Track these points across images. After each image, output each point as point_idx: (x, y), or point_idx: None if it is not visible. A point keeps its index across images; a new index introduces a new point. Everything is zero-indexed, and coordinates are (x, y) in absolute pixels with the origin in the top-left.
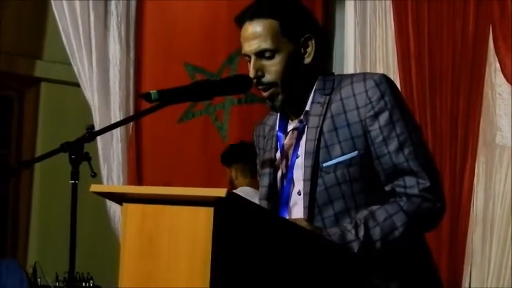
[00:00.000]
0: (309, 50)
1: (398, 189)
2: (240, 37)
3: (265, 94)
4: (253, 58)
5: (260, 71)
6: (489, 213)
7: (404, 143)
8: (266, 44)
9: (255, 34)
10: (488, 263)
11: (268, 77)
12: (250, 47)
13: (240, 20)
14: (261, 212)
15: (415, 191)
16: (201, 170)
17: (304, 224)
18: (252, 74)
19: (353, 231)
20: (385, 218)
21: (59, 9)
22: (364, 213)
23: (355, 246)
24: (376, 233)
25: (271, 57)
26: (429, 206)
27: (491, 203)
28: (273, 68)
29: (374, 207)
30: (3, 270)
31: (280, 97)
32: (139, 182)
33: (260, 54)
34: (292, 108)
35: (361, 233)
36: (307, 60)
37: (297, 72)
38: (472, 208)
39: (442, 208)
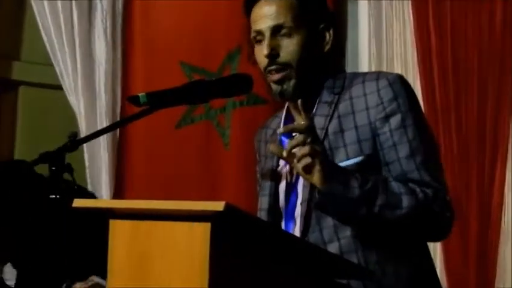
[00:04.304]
0: (327, 39)
1: (411, 185)
2: (252, 16)
3: (275, 77)
4: (267, 35)
5: (275, 50)
6: None
7: (416, 150)
8: (285, 19)
9: (272, 11)
10: None
11: (283, 56)
12: (265, 23)
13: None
14: (264, 226)
15: (430, 192)
16: (202, 182)
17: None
18: (265, 51)
19: (360, 180)
20: (396, 193)
21: (38, 4)
22: (378, 176)
23: (355, 193)
24: (380, 198)
25: (288, 36)
26: (439, 210)
27: None
28: (289, 47)
29: (391, 178)
30: None
31: (292, 82)
32: (131, 195)
33: (276, 29)
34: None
35: (367, 187)
36: (326, 48)
37: (313, 59)
38: (503, 219)
39: (451, 219)
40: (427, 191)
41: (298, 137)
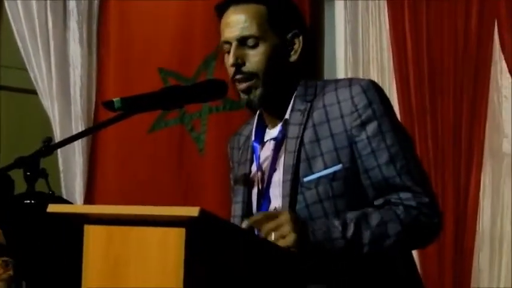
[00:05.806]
0: (295, 47)
1: (393, 200)
2: (221, 25)
3: (241, 86)
4: (234, 45)
5: (240, 59)
6: (497, 230)
7: (395, 155)
8: (251, 30)
9: (239, 20)
10: (497, 285)
11: (249, 66)
12: (232, 32)
13: (223, 6)
14: (238, 232)
15: (413, 203)
16: (176, 187)
17: (287, 216)
18: (231, 60)
19: (340, 228)
20: (379, 223)
21: (12, 8)
22: (356, 213)
23: (340, 244)
24: (366, 236)
25: (254, 46)
26: (426, 220)
27: (499, 219)
28: (255, 57)
29: (369, 209)
30: None
31: (258, 91)
32: (103, 200)
33: (243, 41)
34: (270, 112)
35: (350, 232)
36: (293, 57)
37: (280, 68)
38: (478, 224)
39: (439, 224)
40: (409, 203)
41: (280, 228)
